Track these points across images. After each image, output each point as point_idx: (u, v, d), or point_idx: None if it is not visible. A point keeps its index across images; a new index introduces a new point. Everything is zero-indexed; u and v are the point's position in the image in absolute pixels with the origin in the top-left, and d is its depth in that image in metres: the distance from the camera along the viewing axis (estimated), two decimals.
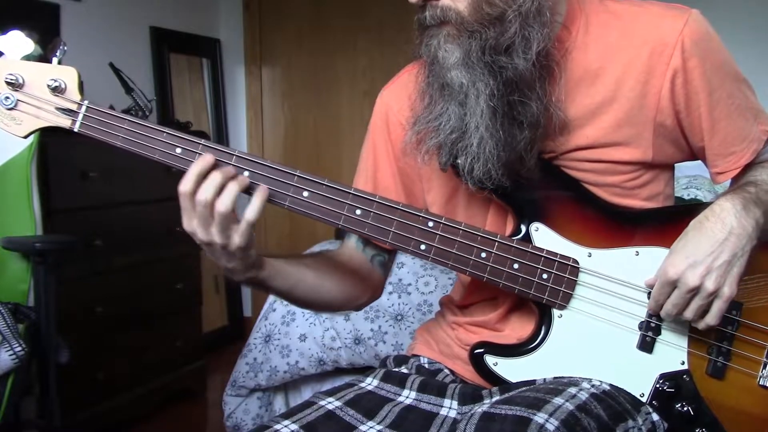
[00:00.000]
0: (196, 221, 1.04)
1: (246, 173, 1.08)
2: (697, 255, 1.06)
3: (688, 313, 1.08)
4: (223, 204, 1.03)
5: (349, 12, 4.17)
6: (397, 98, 1.26)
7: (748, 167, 1.18)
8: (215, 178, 1.03)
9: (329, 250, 1.32)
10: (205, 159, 1.04)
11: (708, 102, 1.12)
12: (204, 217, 1.03)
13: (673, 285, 1.07)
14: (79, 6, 3.21)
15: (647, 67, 1.11)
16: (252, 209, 1.05)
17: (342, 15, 4.19)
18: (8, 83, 1.07)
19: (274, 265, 1.15)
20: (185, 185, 1.03)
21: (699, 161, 1.23)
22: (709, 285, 1.05)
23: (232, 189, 1.04)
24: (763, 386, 1.13)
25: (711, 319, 1.08)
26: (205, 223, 1.04)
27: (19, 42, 1.12)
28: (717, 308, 1.07)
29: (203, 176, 1.04)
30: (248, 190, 1.07)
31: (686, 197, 2.69)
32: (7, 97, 1.07)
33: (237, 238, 1.05)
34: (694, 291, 1.06)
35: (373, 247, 1.30)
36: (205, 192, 1.03)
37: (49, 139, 2.33)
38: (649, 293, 1.11)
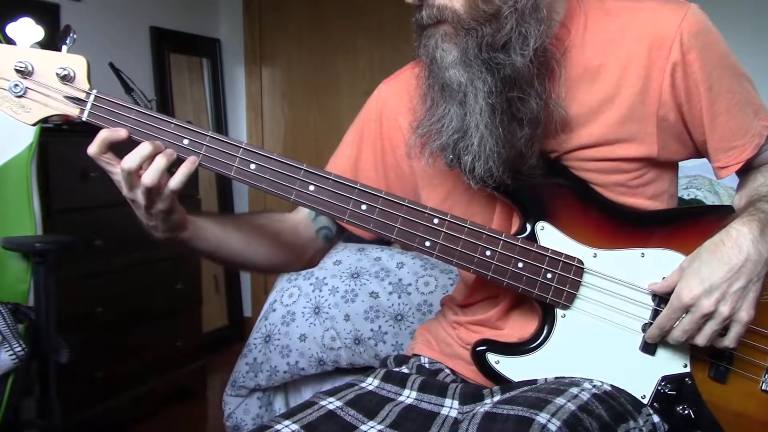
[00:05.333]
0: (119, 179, 1.06)
1: (253, 166, 1.08)
2: (713, 280, 1.05)
3: (700, 339, 1.07)
4: (149, 177, 1.04)
5: (349, 12, 4.17)
6: (397, 94, 1.26)
7: (753, 166, 1.18)
8: (143, 148, 1.04)
9: (276, 212, 1.32)
10: (117, 131, 1.06)
11: (708, 96, 1.12)
12: (127, 181, 1.05)
13: (686, 309, 1.06)
14: (79, 6, 3.21)
15: (647, 61, 1.11)
16: (176, 179, 1.06)
17: (342, 15, 4.19)
18: (18, 71, 1.07)
19: (196, 227, 1.16)
20: (91, 149, 1.05)
21: (700, 161, 1.22)
22: (724, 310, 1.05)
23: (160, 162, 1.04)
24: (766, 391, 1.12)
25: (729, 342, 1.07)
26: (129, 185, 1.05)
27: (29, 29, 1.12)
28: (735, 332, 1.07)
29: (110, 142, 1.05)
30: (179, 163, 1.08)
31: (686, 197, 2.68)
32: (17, 85, 1.08)
33: (160, 205, 1.06)
34: (708, 317, 1.06)
35: (323, 219, 1.29)
36: (128, 161, 1.04)
37: (49, 138, 2.33)
38: (653, 295, 1.11)
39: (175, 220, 1.10)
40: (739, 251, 1.05)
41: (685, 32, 1.09)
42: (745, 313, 1.05)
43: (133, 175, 1.04)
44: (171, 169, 1.06)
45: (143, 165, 1.04)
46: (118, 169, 1.04)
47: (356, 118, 1.33)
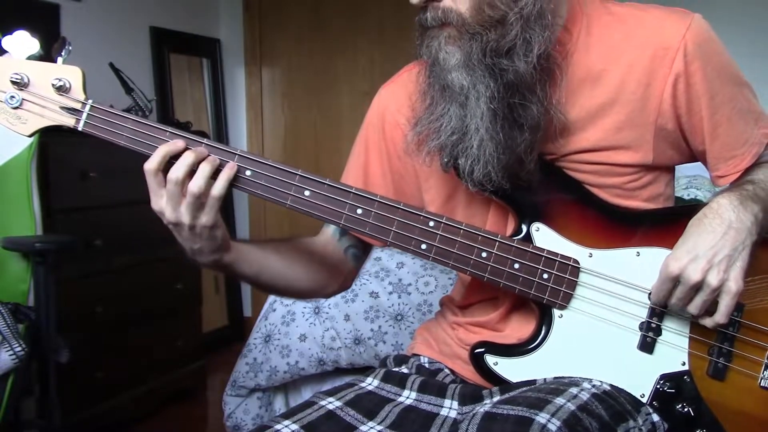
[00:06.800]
0: (164, 200, 1.05)
1: (248, 172, 1.09)
2: (698, 249, 1.06)
3: (692, 308, 1.08)
4: (197, 185, 1.04)
5: (349, 12, 4.17)
6: (396, 98, 1.26)
7: (747, 168, 1.18)
8: (187, 157, 1.05)
9: (305, 237, 1.32)
10: (176, 143, 1.06)
11: (709, 106, 1.12)
12: (174, 195, 1.04)
13: (675, 280, 1.07)
14: (79, 6, 3.21)
15: (649, 70, 1.11)
16: (218, 185, 1.06)
17: (342, 15, 4.19)
18: (13, 82, 1.08)
19: (240, 250, 1.16)
20: (151, 163, 1.05)
21: (699, 161, 1.23)
22: (712, 280, 1.05)
23: (205, 170, 1.05)
24: (764, 387, 1.12)
25: (720, 317, 1.07)
26: (174, 202, 1.05)
27: (24, 41, 1.13)
28: (725, 305, 1.07)
29: (172, 157, 1.05)
30: (218, 172, 1.08)
31: (686, 197, 2.69)
32: (13, 96, 1.08)
33: (204, 218, 1.06)
34: (697, 287, 1.06)
35: (349, 237, 1.30)
36: (177, 171, 1.04)
37: (49, 139, 2.33)
38: (649, 294, 1.11)
39: (219, 236, 1.09)
40: (721, 220, 1.07)
41: (690, 43, 1.09)
42: (733, 283, 1.06)
43: (181, 187, 1.04)
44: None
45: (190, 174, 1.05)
46: (163, 191, 1.05)
47: (360, 128, 1.33)
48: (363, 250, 1.33)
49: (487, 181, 1.08)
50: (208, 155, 1.07)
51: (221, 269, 1.17)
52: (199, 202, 1.05)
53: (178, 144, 1.06)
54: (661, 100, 1.12)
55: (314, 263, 1.27)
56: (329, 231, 1.31)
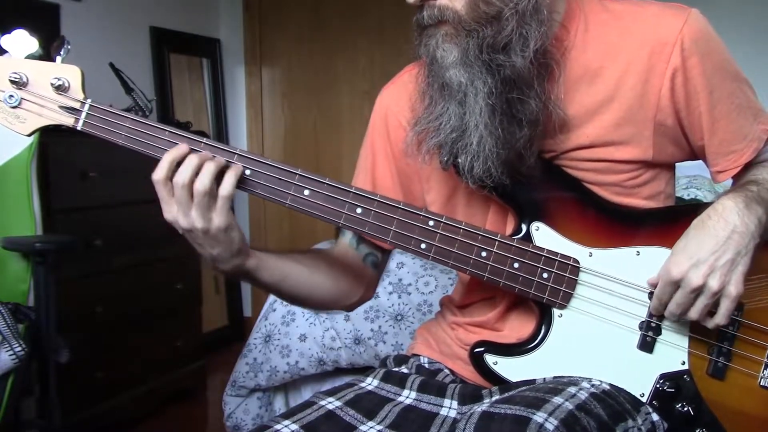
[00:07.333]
0: (175, 207, 1.05)
1: (248, 171, 1.09)
2: (700, 254, 1.05)
3: (693, 314, 1.07)
4: (202, 183, 1.04)
5: (349, 12, 4.17)
6: (397, 98, 1.26)
7: (748, 166, 1.18)
8: (192, 160, 1.05)
9: (324, 248, 1.33)
10: (179, 148, 1.06)
11: (708, 101, 1.12)
12: (183, 200, 1.04)
13: (676, 285, 1.07)
14: (79, 6, 3.21)
15: (647, 66, 1.11)
16: (226, 184, 1.06)
17: (342, 15, 4.20)
18: (12, 82, 1.08)
19: (261, 257, 1.16)
20: (159, 172, 1.05)
21: (699, 161, 1.23)
22: (713, 284, 1.05)
23: (209, 168, 1.05)
24: (764, 387, 1.12)
25: (720, 319, 1.07)
26: (185, 207, 1.05)
27: (23, 41, 1.13)
28: (725, 308, 1.07)
29: (177, 163, 1.05)
30: (224, 172, 1.07)
31: (686, 197, 2.69)
32: (11, 96, 1.08)
33: (216, 219, 1.06)
34: (698, 291, 1.06)
35: (367, 245, 1.30)
36: (183, 174, 1.04)
37: (49, 139, 2.33)
38: (650, 293, 1.11)
39: (236, 238, 1.09)
40: (725, 224, 1.06)
41: (686, 38, 1.10)
42: (734, 288, 1.05)
43: (189, 190, 1.04)
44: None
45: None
46: (174, 199, 1.05)
47: (366, 133, 1.33)
48: (381, 257, 1.33)
49: (487, 177, 1.08)
50: (213, 157, 1.07)
51: (244, 276, 1.16)
52: (207, 202, 1.05)
53: (182, 149, 1.06)
54: (659, 96, 1.12)
55: (335, 271, 1.27)
56: (346, 240, 1.31)
